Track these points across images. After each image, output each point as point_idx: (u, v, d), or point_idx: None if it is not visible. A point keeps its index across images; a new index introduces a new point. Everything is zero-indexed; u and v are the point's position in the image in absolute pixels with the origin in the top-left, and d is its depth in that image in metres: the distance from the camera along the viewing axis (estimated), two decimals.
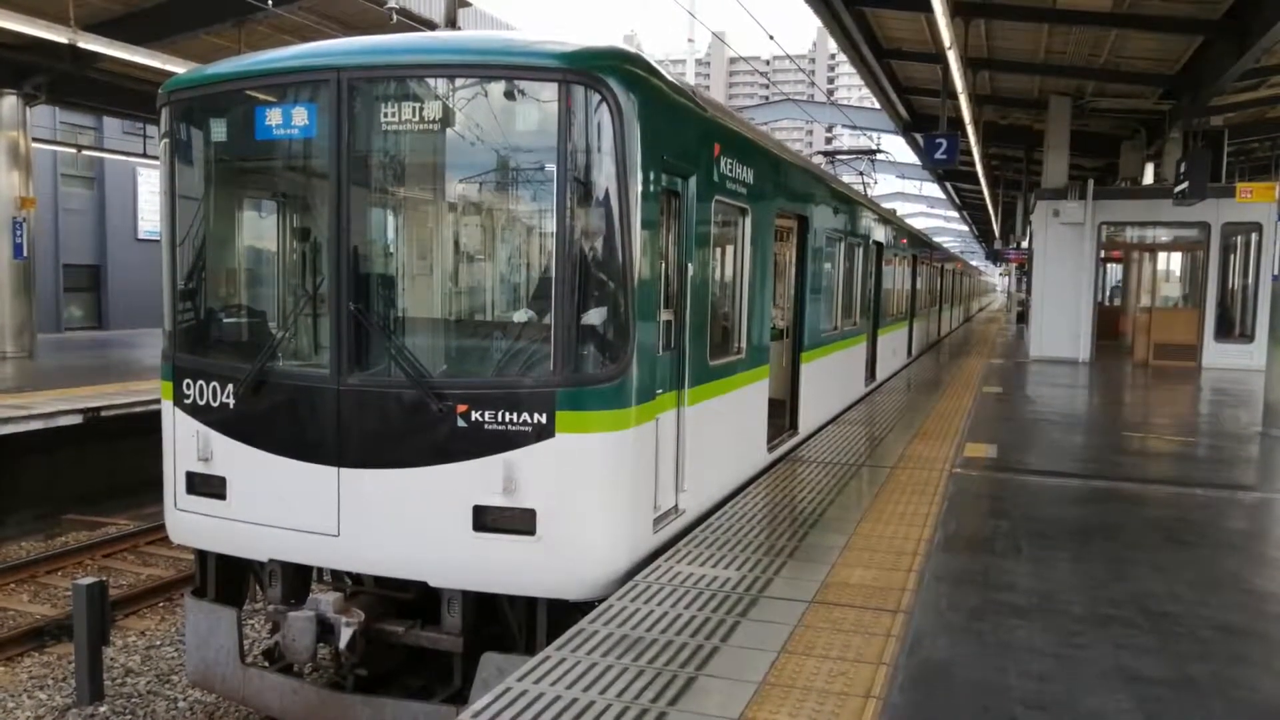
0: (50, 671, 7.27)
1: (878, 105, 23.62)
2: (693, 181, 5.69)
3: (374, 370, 5.06)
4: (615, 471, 4.85)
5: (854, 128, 29.38)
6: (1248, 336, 18.30)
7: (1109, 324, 23.60)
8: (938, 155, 16.07)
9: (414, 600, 5.23)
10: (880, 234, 13.49)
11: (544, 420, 4.70)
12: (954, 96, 15.42)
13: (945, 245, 37.46)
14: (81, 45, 12.73)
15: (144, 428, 10.71)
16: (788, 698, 3.55)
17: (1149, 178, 21.74)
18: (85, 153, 24.49)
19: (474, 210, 5.67)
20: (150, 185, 28.70)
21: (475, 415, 4.77)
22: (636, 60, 5.00)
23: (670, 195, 5.50)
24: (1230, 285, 19.67)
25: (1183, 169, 16.14)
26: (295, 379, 5.24)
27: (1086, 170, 25.08)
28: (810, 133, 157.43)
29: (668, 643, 4.04)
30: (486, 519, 4.80)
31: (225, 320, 5.98)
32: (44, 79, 16.26)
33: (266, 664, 5.73)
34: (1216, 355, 18.23)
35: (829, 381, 10.26)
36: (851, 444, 8.90)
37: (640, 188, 4.82)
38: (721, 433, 6.47)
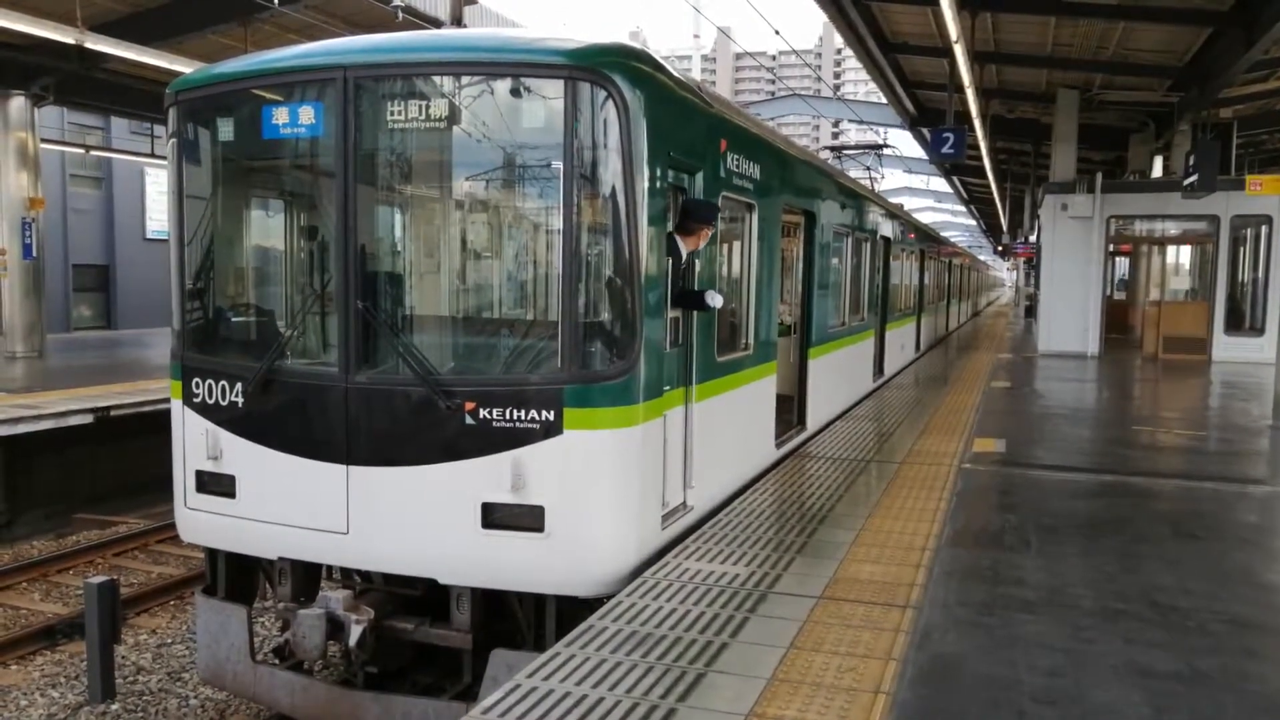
0: (62, 670, 7.31)
1: (884, 100, 23.58)
2: (699, 177, 5.68)
3: (382, 368, 5.07)
4: (623, 468, 4.85)
5: (860, 122, 29.33)
6: (1258, 329, 18.22)
7: (1118, 318, 23.51)
8: (945, 149, 16.00)
9: (423, 597, 5.23)
10: (887, 229, 13.46)
11: (552, 417, 4.70)
12: (961, 90, 15.36)
13: (953, 239, 37.35)
14: (88, 46, 12.77)
15: (154, 427, 10.74)
16: (797, 693, 3.55)
17: (1158, 170, 21.64)
18: (93, 153, 24.60)
19: (480, 208, 5.67)
20: (158, 185, 28.80)
21: (483, 413, 4.77)
22: (642, 56, 4.99)
23: (677, 191, 5.49)
24: (1240, 278, 19.57)
25: (1191, 161, 16.07)
26: (304, 377, 5.25)
27: (1095, 163, 24.96)
28: (817, 128, 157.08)
29: (677, 639, 4.04)
30: (495, 516, 4.80)
31: (234, 319, 6.00)
32: (51, 80, 16.30)
33: (277, 661, 5.75)
34: (1226, 348, 18.14)
35: (837, 377, 10.25)
36: (860, 440, 8.88)
37: (646, 184, 4.82)
38: (729, 429, 6.46)
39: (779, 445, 7.87)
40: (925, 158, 30.93)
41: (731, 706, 3.43)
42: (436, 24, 15.90)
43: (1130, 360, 18.49)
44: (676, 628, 4.16)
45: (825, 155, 17.64)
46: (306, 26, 15.19)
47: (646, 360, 4.87)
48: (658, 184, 4.98)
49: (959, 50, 12.88)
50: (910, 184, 49.11)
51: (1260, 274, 18.58)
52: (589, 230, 4.80)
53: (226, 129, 5.64)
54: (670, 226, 5.40)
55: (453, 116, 5.01)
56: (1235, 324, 18.68)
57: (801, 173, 8.40)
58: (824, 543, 5.51)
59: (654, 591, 4.61)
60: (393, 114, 4.98)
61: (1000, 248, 54.18)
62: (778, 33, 19.97)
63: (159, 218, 29.14)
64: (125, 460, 11.96)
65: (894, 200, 21.78)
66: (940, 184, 46.21)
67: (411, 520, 4.94)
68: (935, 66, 18.16)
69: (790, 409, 8.73)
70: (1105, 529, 6.02)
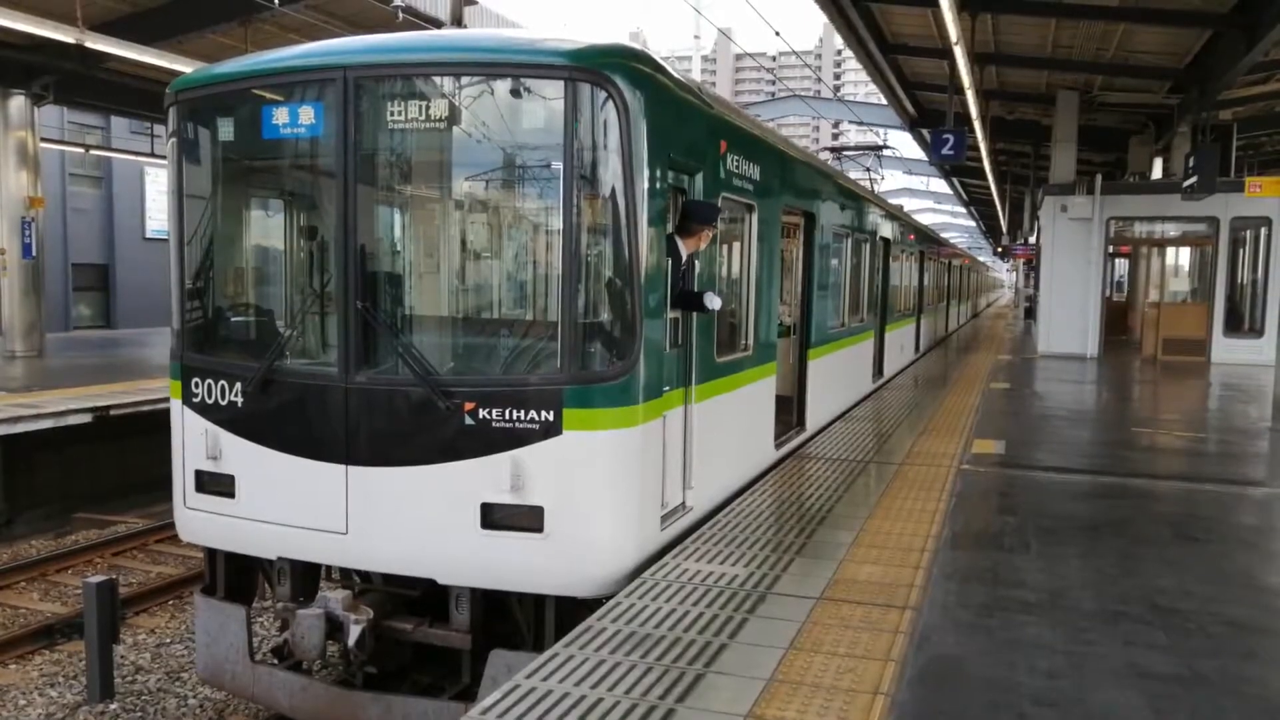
0: (61, 669, 7.31)
1: (884, 101, 23.57)
2: (699, 178, 5.68)
3: (382, 368, 5.07)
4: (623, 469, 4.85)
5: (860, 124, 29.33)
6: (1257, 331, 18.23)
7: (1118, 319, 23.51)
8: (945, 151, 16.00)
9: (422, 598, 5.24)
10: (887, 230, 13.46)
11: (551, 418, 4.70)
12: (961, 92, 15.36)
13: (952, 241, 37.34)
14: (89, 45, 12.77)
15: (153, 426, 10.74)
16: (796, 694, 3.55)
17: (1157, 172, 21.66)
18: (93, 152, 24.57)
19: (480, 208, 5.67)
20: (158, 184, 28.78)
21: (483, 413, 4.77)
22: (642, 57, 4.99)
23: (677, 192, 5.49)
24: (1239, 280, 19.58)
25: (1191, 163, 16.08)
26: (303, 377, 5.25)
27: (1094, 165, 24.96)
28: (817, 129, 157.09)
29: (676, 640, 4.04)
30: (494, 516, 4.80)
31: (233, 319, 5.99)
32: (52, 79, 16.29)
33: (276, 661, 5.75)
34: (1225, 350, 18.16)
35: (836, 378, 10.24)
36: (859, 440, 8.88)
37: (646, 185, 4.82)
38: (729, 430, 6.46)
39: (778, 446, 7.87)
40: (925, 159, 30.92)
41: (730, 707, 3.43)
42: (437, 24, 15.90)
43: (1130, 362, 18.50)
44: (675, 628, 4.16)
45: (825, 156, 17.65)
46: (307, 26, 15.19)
47: (646, 361, 4.87)
48: (658, 185, 4.98)
49: (959, 51, 12.88)
50: (910, 185, 49.09)
51: (1259, 275, 18.60)
52: (589, 231, 4.80)
53: (226, 129, 5.64)
54: (670, 228, 5.40)
55: (453, 117, 5.01)
56: (1234, 326, 18.70)
57: (801, 174, 8.40)
58: (823, 544, 5.51)
59: (653, 592, 4.60)
60: (393, 114, 4.98)
61: (1000, 249, 54.17)
62: (778, 34, 20.02)
63: (159, 217, 29.12)
64: (124, 460, 11.96)
65: (894, 201, 21.79)
66: (940, 185, 46.23)
67: (411, 520, 4.94)
68: (935, 68, 18.16)
69: (790, 410, 8.73)
70: (1105, 531, 6.02)
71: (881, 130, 28.94)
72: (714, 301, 5.60)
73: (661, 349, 5.17)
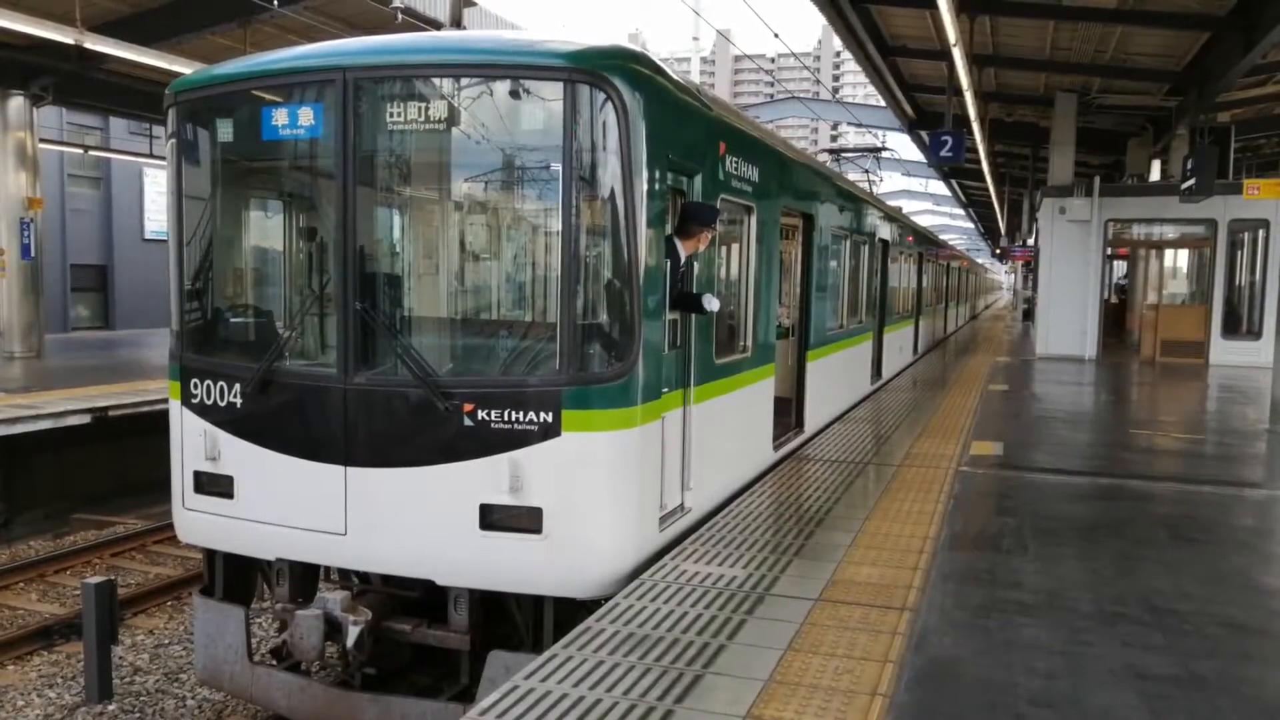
0: (59, 670, 7.30)
1: (883, 103, 23.59)
2: (698, 180, 5.69)
3: (381, 369, 5.07)
4: (621, 470, 4.86)
5: (859, 125, 29.36)
6: (1255, 333, 18.25)
7: (1116, 321, 23.54)
8: (943, 153, 16.02)
9: (421, 599, 5.24)
10: (886, 231, 13.47)
11: (550, 419, 4.70)
12: (959, 93, 15.39)
13: (951, 242, 37.36)
14: (88, 46, 12.77)
15: (152, 427, 10.74)
16: (794, 695, 3.56)
17: (1156, 174, 21.68)
18: (92, 153, 24.57)
19: (479, 209, 5.68)
20: (157, 185, 28.78)
21: (482, 414, 4.78)
22: (642, 59, 5.00)
23: (676, 194, 5.50)
24: (1237, 282, 19.60)
25: (1189, 165, 16.10)
26: (302, 378, 5.26)
27: (1093, 167, 25.00)
28: (815, 131, 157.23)
29: (674, 641, 4.04)
30: (493, 517, 4.81)
31: (232, 320, 6.00)
32: (51, 80, 16.29)
33: (274, 662, 5.75)
34: (1224, 352, 18.18)
35: (835, 379, 10.25)
36: (858, 442, 8.89)
37: (645, 186, 4.82)
38: (727, 431, 6.47)
39: (777, 447, 7.88)
40: (924, 161, 30.96)
41: (729, 708, 3.44)
42: (436, 26, 15.91)
43: (1128, 364, 18.52)
44: (674, 629, 4.16)
45: (824, 158, 17.67)
46: (306, 28, 15.19)
47: (645, 362, 4.88)
48: (657, 186, 4.98)
49: (958, 53, 12.90)
50: (909, 186, 49.09)
51: (1258, 277, 18.62)
52: (588, 232, 4.80)
53: (226, 130, 5.64)
54: (669, 229, 5.41)
55: (452, 118, 5.01)
56: (1233, 328, 18.72)
57: (800, 175, 8.41)
58: (822, 545, 5.52)
59: (652, 593, 4.61)
60: (392, 115, 4.98)
61: (998, 251, 54.22)
62: (777, 35, 20.02)
63: (157, 218, 29.12)
64: (123, 460, 11.95)
65: (892, 203, 21.81)
66: (939, 187, 46.26)
67: (409, 521, 4.94)
68: (934, 69, 18.19)
69: (788, 411, 8.73)
70: (1103, 532, 6.03)
71: (880, 132, 28.95)
72: (712, 303, 5.62)
73: (660, 350, 5.17)
